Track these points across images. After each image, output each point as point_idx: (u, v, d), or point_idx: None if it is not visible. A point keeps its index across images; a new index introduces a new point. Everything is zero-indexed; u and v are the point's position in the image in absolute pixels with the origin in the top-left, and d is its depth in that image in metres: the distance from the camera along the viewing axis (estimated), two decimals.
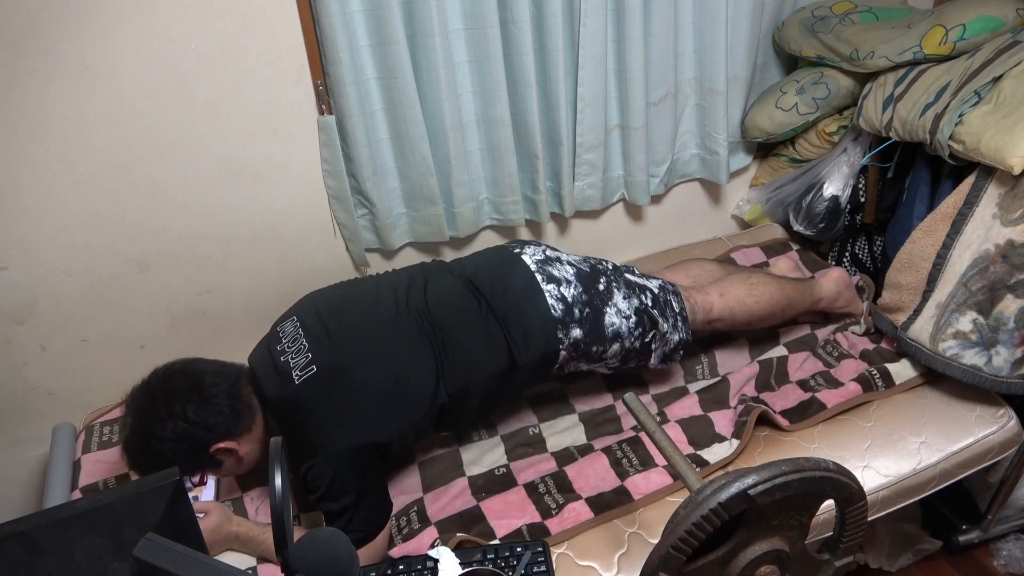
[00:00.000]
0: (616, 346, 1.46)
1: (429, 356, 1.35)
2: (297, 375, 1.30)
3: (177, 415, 1.27)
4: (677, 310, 1.53)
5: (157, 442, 1.27)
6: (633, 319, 1.46)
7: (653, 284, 1.54)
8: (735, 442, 1.46)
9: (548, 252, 1.52)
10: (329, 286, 1.51)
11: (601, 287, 1.47)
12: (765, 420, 1.50)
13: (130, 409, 1.32)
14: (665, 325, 1.50)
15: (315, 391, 1.29)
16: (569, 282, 1.45)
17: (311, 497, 1.29)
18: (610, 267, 1.55)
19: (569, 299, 1.42)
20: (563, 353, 1.43)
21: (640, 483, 1.40)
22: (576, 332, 1.42)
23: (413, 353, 1.34)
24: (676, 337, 1.52)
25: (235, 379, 1.35)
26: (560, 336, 1.41)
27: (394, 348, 1.34)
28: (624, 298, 1.47)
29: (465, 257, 1.58)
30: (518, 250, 1.52)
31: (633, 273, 1.56)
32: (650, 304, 1.49)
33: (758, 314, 1.61)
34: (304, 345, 1.34)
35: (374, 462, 1.32)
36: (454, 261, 1.56)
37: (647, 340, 1.49)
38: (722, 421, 1.52)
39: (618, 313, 1.45)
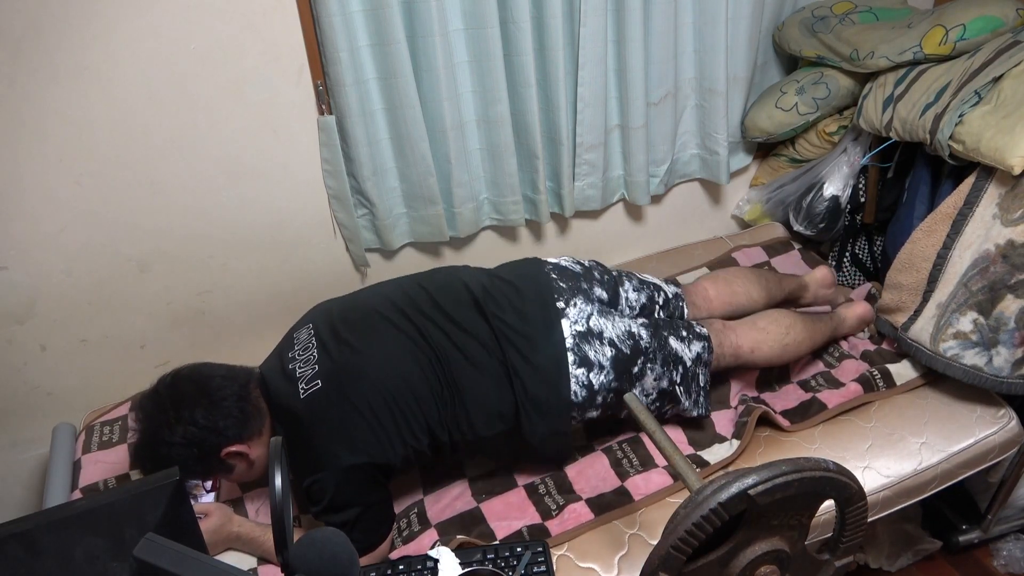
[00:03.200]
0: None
1: (435, 395, 1.32)
2: (303, 387, 1.29)
3: (186, 420, 1.25)
4: (702, 384, 1.48)
5: (167, 448, 1.25)
6: (653, 395, 1.43)
7: (691, 352, 1.44)
8: (735, 442, 1.45)
9: (592, 321, 1.37)
10: (347, 295, 1.49)
11: (635, 370, 1.38)
12: (766, 420, 1.50)
13: (138, 416, 1.30)
14: (686, 402, 1.46)
15: (319, 407, 1.27)
16: (603, 367, 1.35)
17: (313, 509, 1.28)
18: (660, 316, 1.49)
19: (595, 386, 1.35)
20: (573, 425, 1.40)
21: (640, 483, 1.40)
22: (592, 414, 1.39)
23: (419, 387, 1.31)
24: (695, 413, 1.49)
25: (244, 382, 1.34)
26: (574, 415, 1.37)
27: (402, 377, 1.30)
28: (655, 379, 1.41)
29: (500, 278, 1.44)
30: (562, 303, 1.38)
31: (679, 334, 1.45)
32: (678, 381, 1.44)
33: (776, 363, 1.60)
34: (314, 355, 1.32)
35: (377, 478, 1.30)
36: (484, 282, 1.43)
37: (664, 411, 1.48)
38: (722, 421, 1.52)
39: (642, 392, 1.41)
